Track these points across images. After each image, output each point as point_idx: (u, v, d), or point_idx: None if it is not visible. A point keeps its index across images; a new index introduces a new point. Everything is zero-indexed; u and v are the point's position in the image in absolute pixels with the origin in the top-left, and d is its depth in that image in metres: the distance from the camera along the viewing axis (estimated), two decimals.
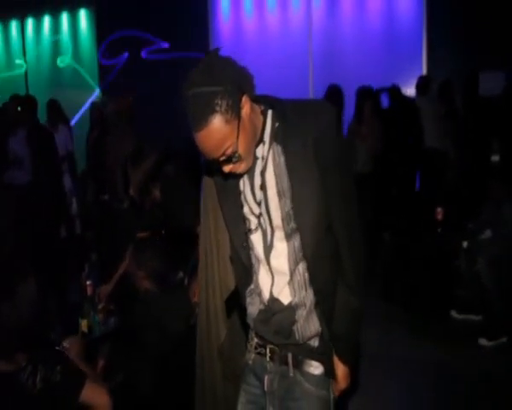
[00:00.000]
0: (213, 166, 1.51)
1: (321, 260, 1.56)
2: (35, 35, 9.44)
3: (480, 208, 4.46)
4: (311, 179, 1.49)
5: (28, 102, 5.45)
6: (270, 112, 1.54)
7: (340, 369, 1.66)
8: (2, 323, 1.77)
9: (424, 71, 6.89)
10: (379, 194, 5.53)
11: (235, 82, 1.39)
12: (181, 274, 3.32)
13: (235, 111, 1.38)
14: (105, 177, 5.01)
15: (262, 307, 1.66)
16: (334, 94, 5.59)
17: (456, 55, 6.47)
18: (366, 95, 5.64)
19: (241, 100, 1.40)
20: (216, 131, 1.37)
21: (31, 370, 1.83)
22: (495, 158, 5.56)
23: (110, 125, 5.25)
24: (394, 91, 5.88)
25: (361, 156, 5.54)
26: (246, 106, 1.42)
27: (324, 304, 1.60)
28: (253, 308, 1.68)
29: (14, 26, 9.60)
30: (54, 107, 6.56)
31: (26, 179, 5.17)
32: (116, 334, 3.03)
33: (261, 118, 1.53)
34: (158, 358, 2.57)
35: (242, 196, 1.61)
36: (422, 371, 3.69)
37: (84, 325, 2.99)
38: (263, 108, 1.54)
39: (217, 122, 1.36)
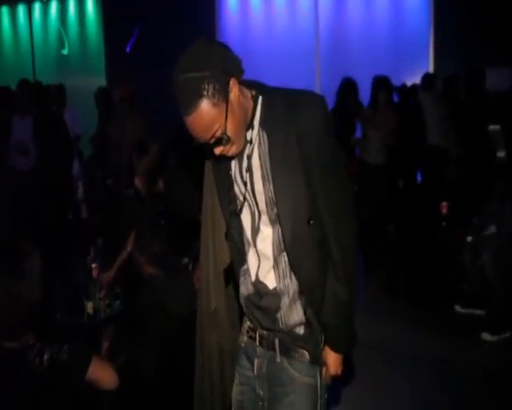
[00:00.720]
0: (206, 149, 1.54)
1: (302, 251, 1.57)
2: (42, 20, 9.42)
3: (485, 204, 4.45)
4: (292, 170, 1.50)
5: (36, 87, 5.45)
6: (260, 98, 1.56)
7: (331, 357, 1.67)
8: (14, 303, 1.78)
9: (431, 66, 6.87)
10: (389, 187, 5.49)
11: (221, 66, 1.42)
12: (185, 260, 3.33)
13: (222, 94, 1.42)
14: (110, 162, 5.01)
15: (251, 288, 1.69)
16: (348, 87, 5.58)
17: (463, 50, 6.45)
18: (381, 84, 5.47)
19: (228, 83, 1.43)
20: (204, 115, 1.42)
21: (38, 348, 1.84)
22: (501, 154, 5.55)
23: (114, 111, 5.26)
24: (401, 89, 5.89)
25: (374, 147, 5.44)
26: (234, 89, 1.45)
27: (311, 294, 1.61)
28: (245, 288, 1.72)
29: (21, 10, 9.58)
30: (58, 91, 6.54)
31: (29, 165, 5.16)
32: (121, 317, 3.05)
33: (251, 102, 1.55)
34: (161, 341, 2.58)
35: (233, 177, 1.65)
36: (425, 364, 3.69)
37: (89, 307, 3.01)
38: (254, 93, 1.56)
39: (205, 106, 1.41)
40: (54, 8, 9.27)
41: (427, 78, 6.16)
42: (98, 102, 6.37)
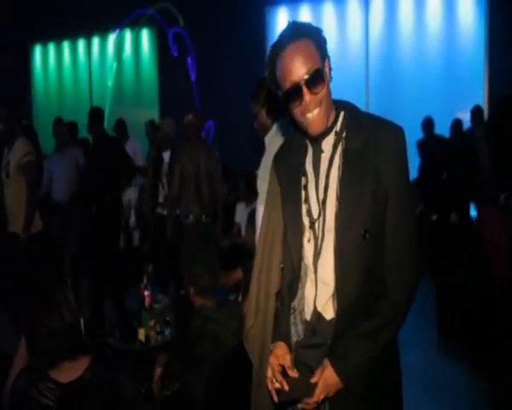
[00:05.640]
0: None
1: (350, 267, 1.50)
2: (100, 53, 9.80)
3: None
4: (361, 180, 1.48)
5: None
6: (342, 112, 1.58)
7: (333, 380, 1.50)
8: (52, 333, 1.83)
9: (485, 100, 6.74)
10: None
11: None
12: (233, 297, 3.36)
13: (323, 52, 1.49)
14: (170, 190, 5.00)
15: (303, 325, 1.60)
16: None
17: None
18: None
19: (326, 61, 1.52)
20: (305, 47, 1.45)
21: (95, 371, 1.90)
22: None
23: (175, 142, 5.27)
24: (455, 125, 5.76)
25: None
26: (327, 74, 1.52)
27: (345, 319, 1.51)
28: (294, 329, 1.62)
29: (81, 44, 10.00)
30: (121, 125, 6.98)
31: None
32: (172, 344, 3.08)
33: (334, 112, 1.57)
34: (212, 369, 2.59)
35: (304, 193, 1.59)
36: (477, 406, 3.56)
37: (141, 333, 3.05)
38: (336, 107, 1.59)
39: (308, 41, 1.46)
40: (111, 41, 9.56)
41: (477, 111, 6.05)
42: (150, 133, 6.63)
